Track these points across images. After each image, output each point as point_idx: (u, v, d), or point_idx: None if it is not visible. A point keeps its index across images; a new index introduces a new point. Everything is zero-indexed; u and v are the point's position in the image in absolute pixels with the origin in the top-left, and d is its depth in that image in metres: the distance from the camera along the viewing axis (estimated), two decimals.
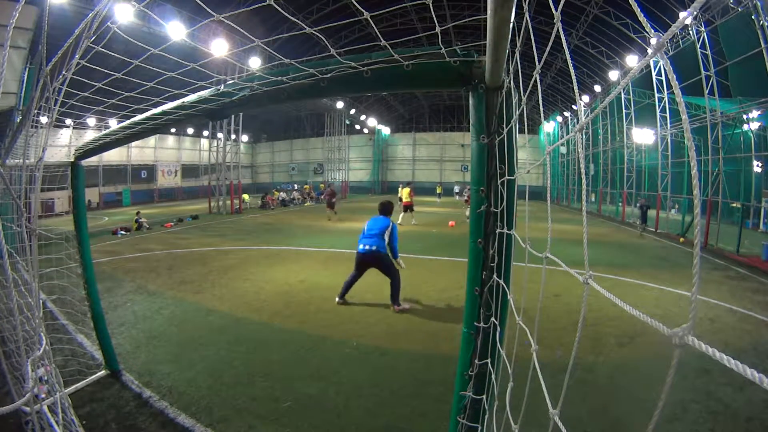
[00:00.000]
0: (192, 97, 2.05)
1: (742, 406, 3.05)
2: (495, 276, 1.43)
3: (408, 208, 14.56)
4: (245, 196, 22.45)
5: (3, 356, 2.62)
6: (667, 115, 15.37)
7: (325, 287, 6.17)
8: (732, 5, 10.50)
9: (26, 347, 2.15)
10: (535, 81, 1.08)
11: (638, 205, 12.08)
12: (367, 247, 5.14)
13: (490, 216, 1.44)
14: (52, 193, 15.28)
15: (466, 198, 17.38)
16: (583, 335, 4.30)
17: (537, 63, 1.07)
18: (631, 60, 16.58)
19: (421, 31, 19.39)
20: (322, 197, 18.80)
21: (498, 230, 1.41)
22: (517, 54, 1.41)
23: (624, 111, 18.65)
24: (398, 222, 13.77)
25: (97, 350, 3.75)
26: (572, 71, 1.05)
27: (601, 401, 3.13)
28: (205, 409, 2.98)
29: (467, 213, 15.40)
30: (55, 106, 1.99)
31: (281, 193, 26.32)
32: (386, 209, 5.61)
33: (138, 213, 14.18)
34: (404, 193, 14.73)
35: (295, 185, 34.81)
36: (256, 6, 1.44)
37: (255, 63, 16.11)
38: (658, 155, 15.83)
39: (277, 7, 1.17)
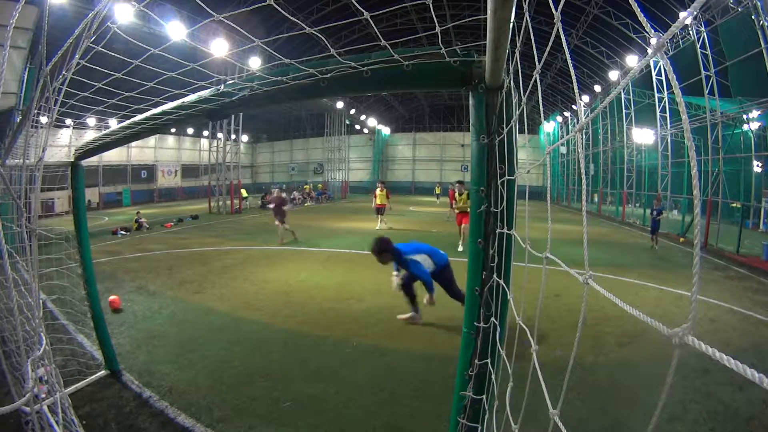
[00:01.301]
0: (192, 97, 2.04)
1: (742, 406, 3.05)
2: (495, 276, 1.43)
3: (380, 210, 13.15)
4: (243, 191, 22.13)
5: (3, 356, 2.62)
6: (667, 115, 15.37)
7: (325, 287, 6.17)
8: (732, 5, 10.50)
9: (26, 347, 2.15)
10: (535, 81, 1.08)
11: (652, 210, 10.60)
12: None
13: (490, 216, 1.44)
14: (52, 193, 15.29)
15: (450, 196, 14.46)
16: (583, 335, 4.29)
17: (537, 63, 1.07)
18: (631, 60, 16.57)
19: (421, 31, 19.40)
20: (269, 205, 12.02)
21: (498, 230, 1.41)
22: (517, 54, 1.41)
23: (624, 111, 18.65)
24: (377, 227, 12.83)
25: (97, 350, 3.75)
26: (572, 71, 1.05)
27: (601, 401, 3.13)
28: (205, 409, 2.98)
29: (450, 211, 13.49)
30: (55, 106, 1.99)
31: (296, 192, 26.31)
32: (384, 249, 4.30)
33: (138, 213, 14.17)
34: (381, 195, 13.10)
35: (283, 185, 34.61)
36: (256, 6, 1.44)
37: (255, 63, 16.10)
38: (658, 155, 15.83)
39: (277, 7, 1.17)
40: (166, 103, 2.20)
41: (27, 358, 1.64)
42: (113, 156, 27.57)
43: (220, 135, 22.00)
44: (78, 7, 11.64)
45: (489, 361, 1.45)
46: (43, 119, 2.52)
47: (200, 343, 4.15)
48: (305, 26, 1.42)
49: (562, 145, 25.17)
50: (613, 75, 18.95)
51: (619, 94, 18.07)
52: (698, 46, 11.89)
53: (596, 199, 22.44)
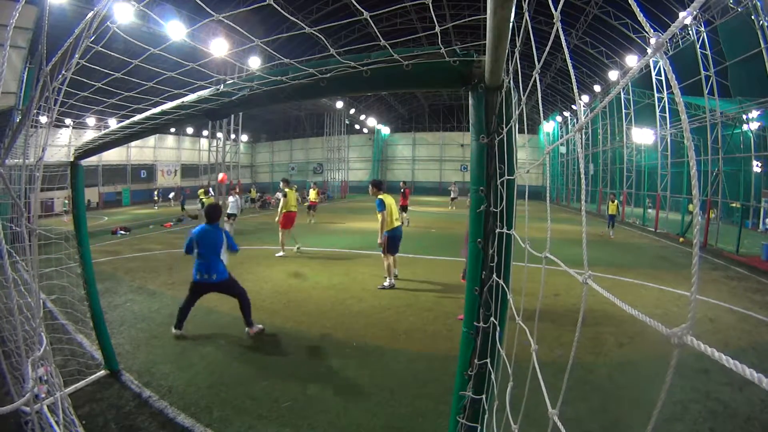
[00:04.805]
0: (192, 97, 2.04)
1: (741, 406, 3.05)
2: (495, 276, 1.43)
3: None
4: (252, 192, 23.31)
5: (3, 356, 2.62)
6: (667, 115, 15.37)
7: (325, 287, 6.17)
8: (732, 5, 10.50)
9: (26, 347, 2.15)
10: (535, 81, 1.08)
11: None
12: (214, 277, 4.24)
13: (489, 216, 1.44)
14: (52, 193, 15.29)
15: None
16: (583, 335, 4.30)
17: (537, 63, 1.07)
18: (631, 60, 16.58)
19: (421, 31, 19.38)
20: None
21: (498, 230, 1.41)
22: (516, 54, 1.41)
23: (624, 111, 18.66)
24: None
25: (96, 350, 3.75)
26: (572, 71, 1.05)
27: (601, 401, 3.13)
28: (205, 409, 2.98)
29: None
30: (54, 105, 1.99)
31: (279, 193, 26.51)
32: (214, 215, 4.41)
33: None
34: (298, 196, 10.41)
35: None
36: (256, 6, 1.44)
37: (255, 63, 16.09)
38: (657, 155, 15.84)
39: (276, 6, 1.17)
40: (165, 102, 2.20)
41: (27, 358, 1.64)
42: (113, 156, 27.58)
43: (219, 135, 22.01)
44: (78, 6, 11.64)
45: (488, 360, 1.45)
46: (43, 119, 2.52)
47: (200, 343, 4.15)
48: (305, 26, 1.42)
49: (562, 144, 25.16)
50: (613, 75, 18.96)
51: (619, 94, 18.08)
52: (698, 46, 11.89)
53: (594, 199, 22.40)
